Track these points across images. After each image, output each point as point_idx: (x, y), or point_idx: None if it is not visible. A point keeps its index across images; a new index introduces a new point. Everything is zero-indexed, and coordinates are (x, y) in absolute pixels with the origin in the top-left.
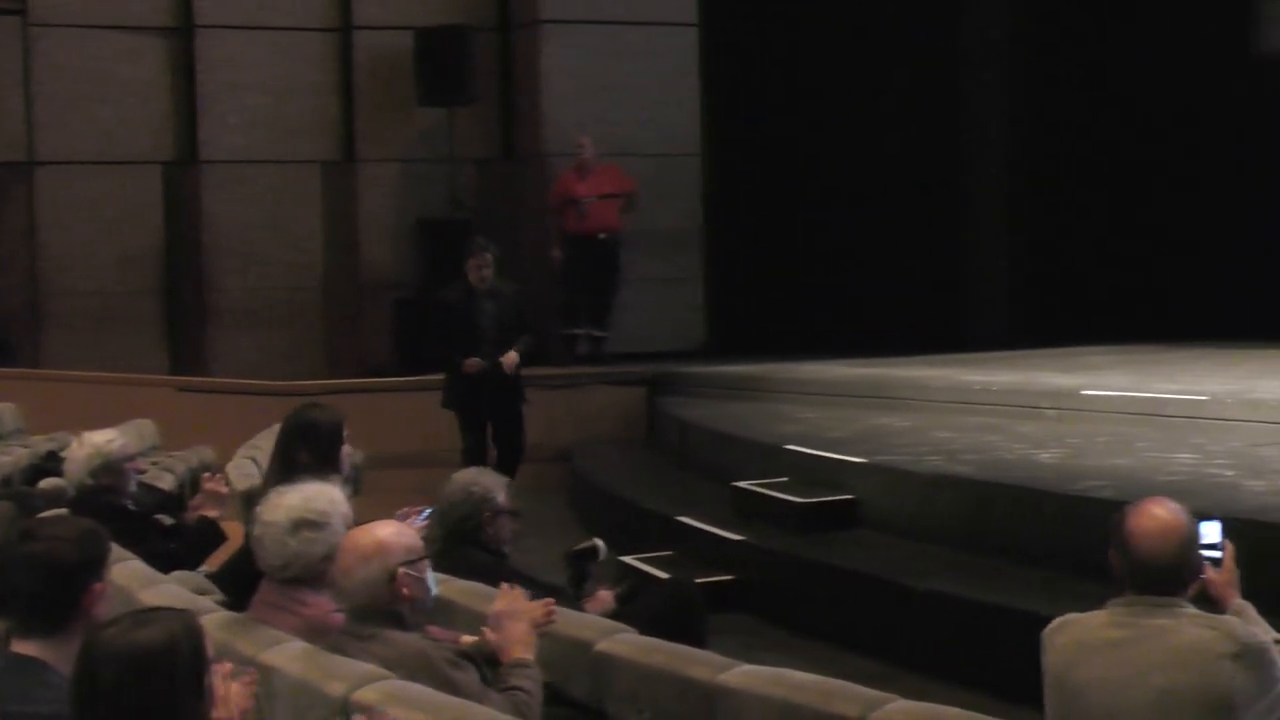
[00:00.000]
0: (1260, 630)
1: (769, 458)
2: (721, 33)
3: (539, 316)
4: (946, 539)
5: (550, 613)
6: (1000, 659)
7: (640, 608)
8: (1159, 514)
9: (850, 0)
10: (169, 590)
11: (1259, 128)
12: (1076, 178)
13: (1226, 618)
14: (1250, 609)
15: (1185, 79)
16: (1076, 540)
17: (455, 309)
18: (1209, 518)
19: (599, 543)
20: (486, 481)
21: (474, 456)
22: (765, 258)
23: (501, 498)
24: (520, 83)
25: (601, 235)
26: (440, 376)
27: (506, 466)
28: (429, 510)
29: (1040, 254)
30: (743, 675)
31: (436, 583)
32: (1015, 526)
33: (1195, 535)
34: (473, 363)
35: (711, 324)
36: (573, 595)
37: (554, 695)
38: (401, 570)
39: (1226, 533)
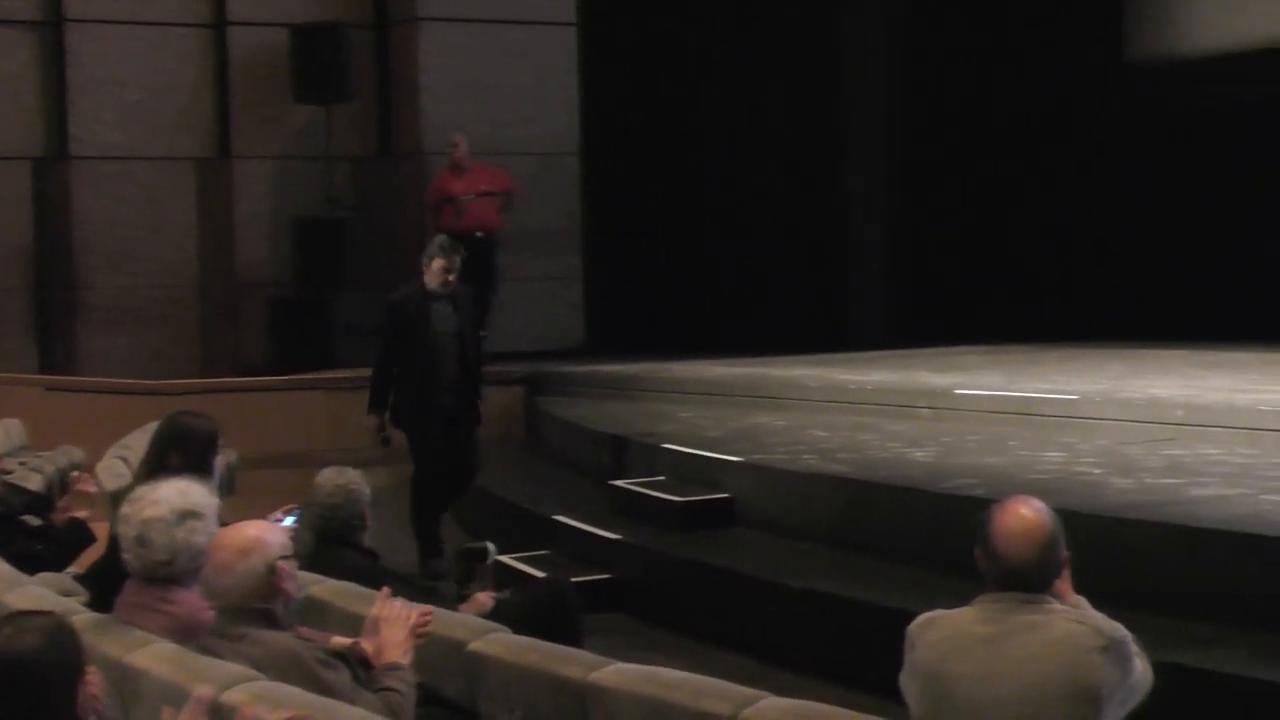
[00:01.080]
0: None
1: (647, 457)
2: (601, 31)
3: None
4: (822, 537)
5: (427, 619)
6: (874, 656)
7: (515, 607)
8: (1023, 513)
9: (731, 0)
10: (33, 592)
11: (1127, 131)
12: (955, 180)
13: (1092, 613)
14: (1085, 603)
15: (1058, 83)
16: (948, 538)
17: (412, 315)
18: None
19: (490, 545)
20: (357, 479)
21: (426, 479)
22: (645, 257)
23: (368, 493)
24: (397, 80)
25: (479, 234)
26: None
27: (461, 487)
28: (297, 513)
29: (918, 255)
30: (615, 674)
31: (306, 584)
32: (889, 525)
33: (1058, 533)
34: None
35: (591, 323)
36: (457, 594)
37: (427, 695)
38: (281, 563)
39: (1096, 531)
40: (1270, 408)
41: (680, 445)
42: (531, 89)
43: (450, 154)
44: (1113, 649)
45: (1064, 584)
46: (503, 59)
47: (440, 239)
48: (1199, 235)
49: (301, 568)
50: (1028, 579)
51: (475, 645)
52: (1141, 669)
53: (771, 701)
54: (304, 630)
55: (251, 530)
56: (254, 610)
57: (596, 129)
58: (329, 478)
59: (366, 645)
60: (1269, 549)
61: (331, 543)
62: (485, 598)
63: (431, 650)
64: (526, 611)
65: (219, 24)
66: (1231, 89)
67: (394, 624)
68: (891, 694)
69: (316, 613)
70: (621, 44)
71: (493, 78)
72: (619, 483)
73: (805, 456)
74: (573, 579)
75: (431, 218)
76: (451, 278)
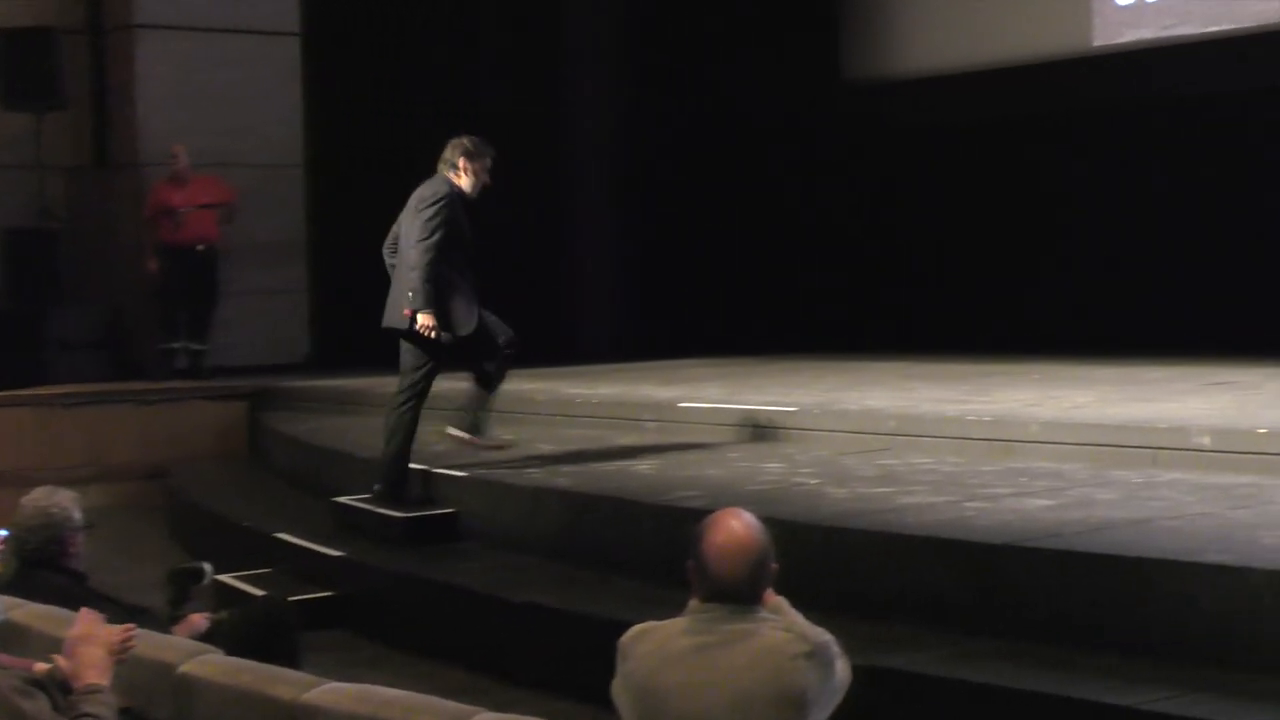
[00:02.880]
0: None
1: (371, 472)
2: (324, 43)
3: (136, 331)
4: (546, 551)
5: (129, 638)
6: (594, 669)
7: (230, 628)
8: (733, 525)
9: (453, 12)
10: None
11: (847, 148)
12: (681, 194)
13: (796, 619)
14: (785, 603)
15: (781, 100)
16: (670, 550)
17: (460, 216)
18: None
19: (206, 566)
20: (63, 501)
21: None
22: (370, 271)
23: (78, 515)
24: (114, 89)
25: (199, 247)
26: None
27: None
28: (4, 533)
29: (645, 268)
30: (328, 693)
31: (6, 608)
32: (611, 537)
33: (769, 546)
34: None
35: (316, 338)
36: (169, 615)
37: None
38: None
39: (812, 540)
40: (976, 418)
41: None
42: (254, 100)
43: (170, 165)
44: (817, 654)
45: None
46: (224, 69)
47: (472, 139)
48: (913, 249)
49: (3, 592)
50: (738, 591)
51: (186, 668)
52: (842, 669)
53: (485, 717)
54: (3, 658)
55: None
56: None
57: (321, 140)
58: (34, 499)
59: (63, 664)
60: (969, 554)
61: (35, 566)
62: (199, 619)
63: (140, 673)
64: (242, 632)
65: None
66: (941, 109)
67: (93, 643)
68: (609, 705)
69: (18, 638)
70: (345, 55)
71: (213, 88)
72: (342, 499)
73: (530, 470)
74: (295, 597)
75: (150, 230)
76: (489, 180)
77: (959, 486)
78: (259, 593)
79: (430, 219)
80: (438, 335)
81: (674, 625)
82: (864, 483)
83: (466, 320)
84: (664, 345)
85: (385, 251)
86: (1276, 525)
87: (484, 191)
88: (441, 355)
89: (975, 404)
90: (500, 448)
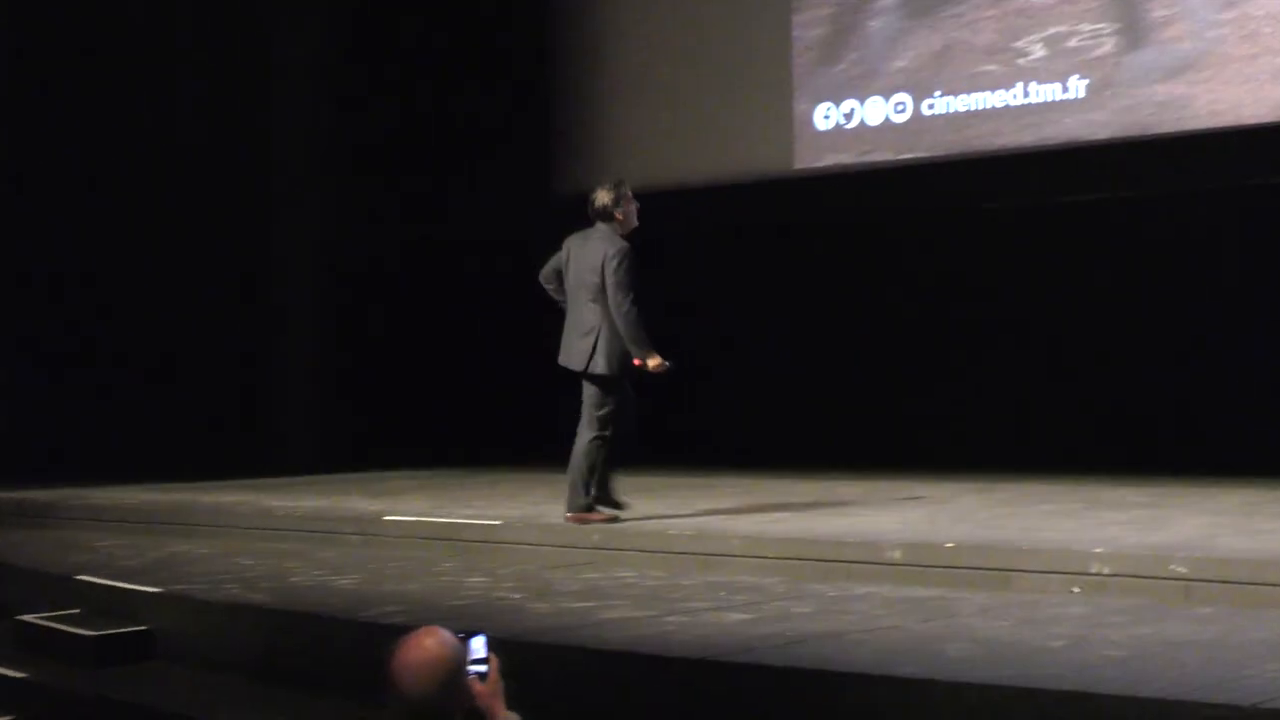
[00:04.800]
0: None
1: (58, 589)
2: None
3: None
4: (243, 669)
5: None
6: None
7: None
8: (426, 644)
9: (138, 95)
10: None
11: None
12: (391, 304)
13: None
14: (516, 718)
15: (491, 215)
16: (368, 668)
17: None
18: (475, 634)
19: None
20: None
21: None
22: (58, 377)
23: None
24: None
25: None
26: None
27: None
28: None
29: (356, 379)
30: None
31: None
32: (309, 655)
33: (461, 662)
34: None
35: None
36: None
37: None
38: None
39: (514, 657)
40: (679, 531)
41: (95, 577)
42: None
43: None
44: None
45: (497, 701)
46: None
47: (607, 185)
48: None
49: None
50: (428, 710)
51: None
52: None
53: None
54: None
55: None
56: None
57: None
58: None
59: None
60: (668, 669)
61: None
62: None
63: None
64: None
65: None
66: (652, 224)
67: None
68: None
69: None
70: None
71: None
72: (27, 617)
73: (227, 585)
74: None
75: None
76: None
77: (660, 600)
78: None
79: (623, 278)
80: (665, 368)
81: None
82: (567, 597)
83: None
84: (373, 456)
85: (547, 285)
86: (962, 638)
87: None
88: (625, 393)
89: (677, 517)
90: (620, 507)
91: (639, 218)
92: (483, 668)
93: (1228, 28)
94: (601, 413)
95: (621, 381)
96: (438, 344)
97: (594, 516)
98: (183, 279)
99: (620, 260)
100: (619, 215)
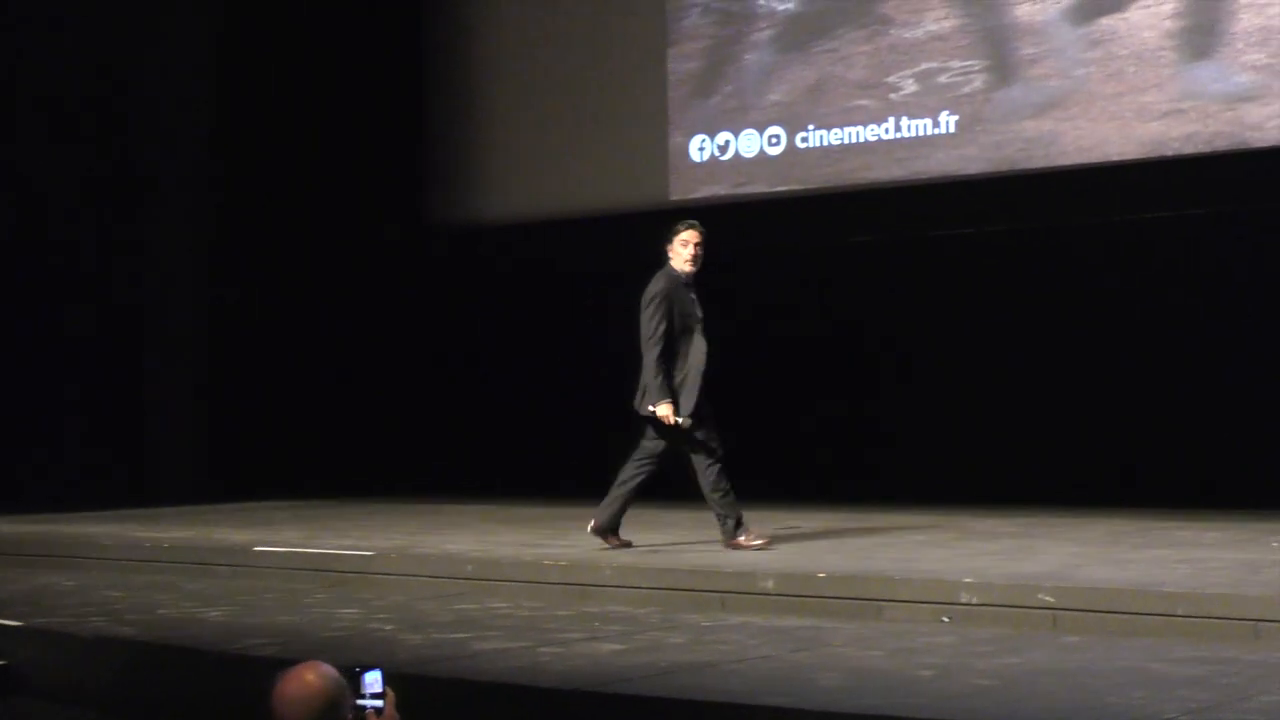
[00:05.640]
0: None
1: None
2: None
3: None
4: (108, 704)
5: None
6: None
7: None
8: (307, 679)
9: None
10: None
11: (428, 292)
12: (263, 332)
13: None
14: None
15: (364, 244)
16: (238, 700)
17: (679, 304)
18: (371, 668)
19: None
20: None
21: (721, 456)
22: None
23: None
24: None
25: None
26: None
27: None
28: None
29: (226, 409)
30: None
31: None
32: (177, 689)
33: (341, 696)
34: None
35: None
36: None
37: None
38: None
39: (389, 686)
40: (553, 562)
41: None
42: None
43: None
44: None
45: None
46: None
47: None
48: (492, 392)
49: None
50: None
51: None
52: None
53: None
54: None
55: None
56: None
57: None
58: None
59: None
60: (540, 700)
61: None
62: None
63: None
64: None
65: None
66: (526, 255)
67: None
68: None
69: None
70: None
71: None
72: None
73: (94, 618)
74: None
75: None
76: (695, 255)
77: (534, 631)
78: None
79: (647, 321)
80: (671, 422)
81: None
82: (440, 628)
83: (685, 406)
84: (247, 488)
85: None
86: (833, 668)
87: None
88: (678, 439)
89: (552, 547)
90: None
91: (697, 262)
92: (378, 702)
93: (1094, 66)
94: (649, 449)
95: (696, 413)
96: (314, 375)
97: (746, 542)
98: (51, 309)
99: (648, 302)
100: (670, 252)
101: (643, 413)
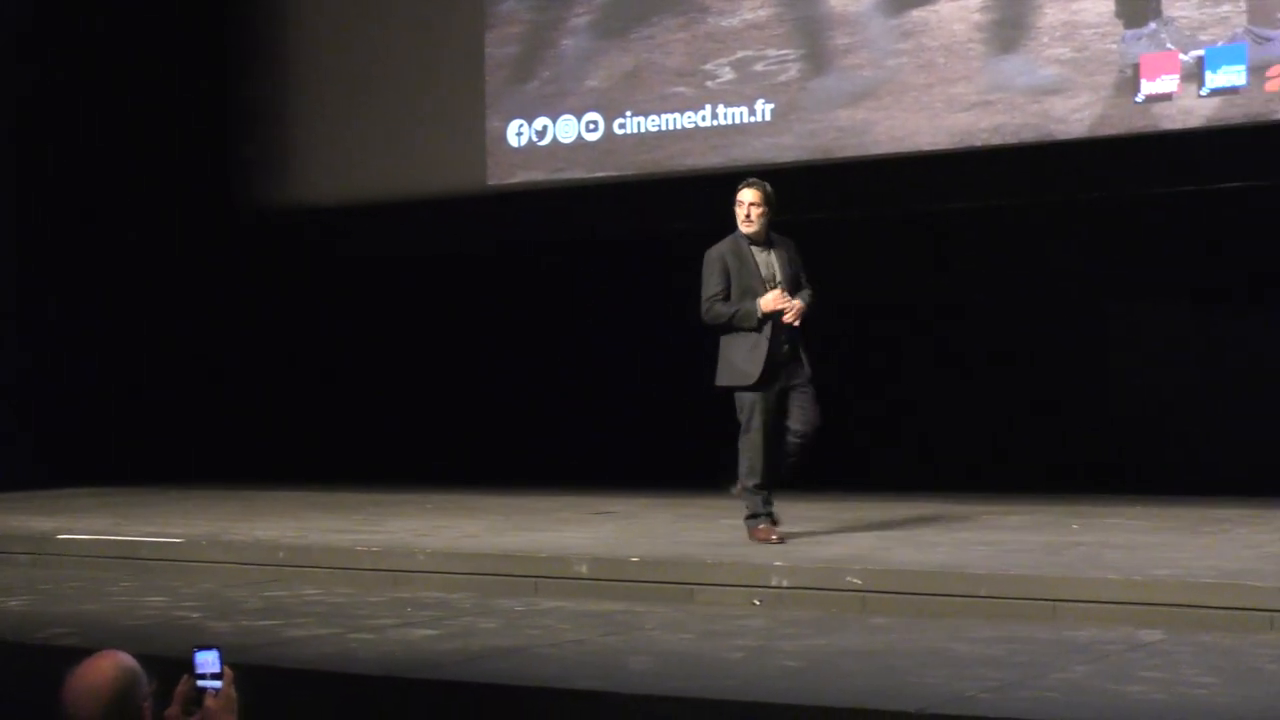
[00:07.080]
0: None
1: None
2: None
3: None
4: None
5: None
6: None
7: None
8: (100, 666)
9: None
10: None
11: (259, 278)
12: (75, 319)
13: None
14: None
15: (180, 229)
16: (40, 693)
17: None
18: (208, 648)
19: None
20: None
21: (773, 439)
22: None
23: None
24: None
25: None
26: None
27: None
28: None
29: (30, 393)
30: None
31: None
32: None
33: (136, 686)
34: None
35: None
36: None
37: None
38: None
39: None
40: (366, 548)
41: None
42: None
43: None
44: None
45: (229, 715)
46: None
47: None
48: (311, 378)
49: None
50: None
51: None
52: None
53: None
54: None
55: None
56: None
57: None
58: None
59: None
60: (350, 687)
61: None
62: None
63: None
64: None
65: None
66: (345, 241)
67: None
68: None
69: None
70: None
71: None
72: None
73: None
74: None
75: None
76: (747, 215)
77: (346, 618)
78: None
79: (704, 282)
80: (782, 301)
81: None
82: (250, 615)
83: (745, 372)
84: (51, 474)
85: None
86: (644, 651)
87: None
88: (761, 400)
89: (366, 534)
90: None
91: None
92: (216, 684)
93: (905, 57)
94: (745, 419)
95: (748, 391)
96: (122, 359)
97: (761, 534)
98: None
99: (704, 266)
100: (737, 216)
101: (720, 385)
